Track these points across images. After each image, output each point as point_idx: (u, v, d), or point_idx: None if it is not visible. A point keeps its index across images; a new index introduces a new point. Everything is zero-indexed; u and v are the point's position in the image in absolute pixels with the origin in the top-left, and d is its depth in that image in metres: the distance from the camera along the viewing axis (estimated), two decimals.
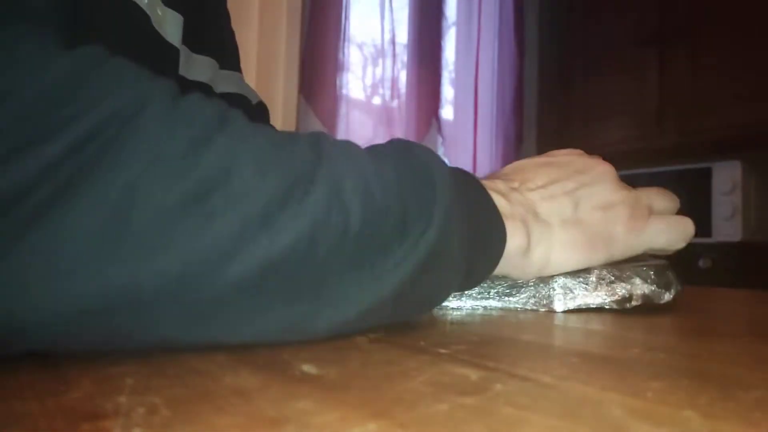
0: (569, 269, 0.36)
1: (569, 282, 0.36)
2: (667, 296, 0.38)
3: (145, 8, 0.40)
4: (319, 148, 0.25)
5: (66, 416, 0.15)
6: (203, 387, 0.17)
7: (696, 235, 0.41)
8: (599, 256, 0.37)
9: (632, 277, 0.37)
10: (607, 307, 0.37)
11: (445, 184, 0.28)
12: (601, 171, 0.39)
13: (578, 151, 0.41)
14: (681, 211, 0.42)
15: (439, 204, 0.27)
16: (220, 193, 0.20)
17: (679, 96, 1.92)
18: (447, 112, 2.06)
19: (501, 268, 0.34)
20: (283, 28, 1.60)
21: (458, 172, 0.32)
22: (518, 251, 0.34)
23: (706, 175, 1.90)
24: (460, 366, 0.21)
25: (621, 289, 0.37)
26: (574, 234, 0.36)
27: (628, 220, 0.37)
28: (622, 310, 0.37)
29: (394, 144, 0.30)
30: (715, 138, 1.88)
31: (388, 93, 1.85)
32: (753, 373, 0.21)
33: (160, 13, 0.42)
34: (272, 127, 0.30)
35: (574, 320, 0.34)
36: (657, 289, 0.38)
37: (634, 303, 0.37)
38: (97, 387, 0.17)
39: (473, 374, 0.20)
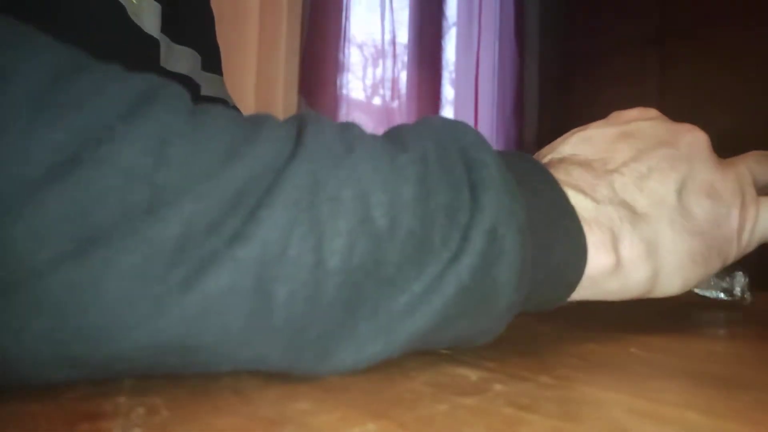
0: (679, 292, 0.27)
1: None
2: (748, 295, 0.39)
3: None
4: (296, 138, 0.18)
5: (65, 417, 0.15)
6: (202, 387, 0.17)
7: None
8: (715, 267, 0.28)
9: (737, 269, 0.37)
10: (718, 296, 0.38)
11: (494, 182, 0.20)
12: (693, 140, 0.29)
13: (653, 111, 0.31)
14: None
15: (482, 218, 0.19)
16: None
17: (680, 97, 1.92)
18: (447, 113, 2.06)
19: (579, 295, 0.25)
20: (283, 28, 1.60)
21: (514, 158, 0.24)
22: (604, 271, 0.24)
23: None
24: (459, 366, 0.21)
25: (727, 282, 0.38)
26: (689, 241, 0.26)
27: (742, 211, 0.28)
28: (731, 302, 0.38)
29: (425, 125, 0.22)
30: (717, 139, 1.88)
31: (388, 93, 1.85)
32: (753, 373, 0.21)
33: (135, 2, 0.41)
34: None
35: (573, 320, 0.34)
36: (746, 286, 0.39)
37: (741, 296, 0.38)
38: (96, 387, 0.17)
39: (473, 374, 0.20)
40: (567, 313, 0.36)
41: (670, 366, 0.22)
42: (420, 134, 0.21)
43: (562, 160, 0.27)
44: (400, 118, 1.83)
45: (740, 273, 0.38)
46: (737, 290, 0.38)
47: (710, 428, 0.15)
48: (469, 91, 2.08)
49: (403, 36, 1.91)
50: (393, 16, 1.84)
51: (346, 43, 1.73)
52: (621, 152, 0.27)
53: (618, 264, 0.24)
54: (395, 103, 1.85)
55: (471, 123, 1.93)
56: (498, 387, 0.18)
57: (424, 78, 1.91)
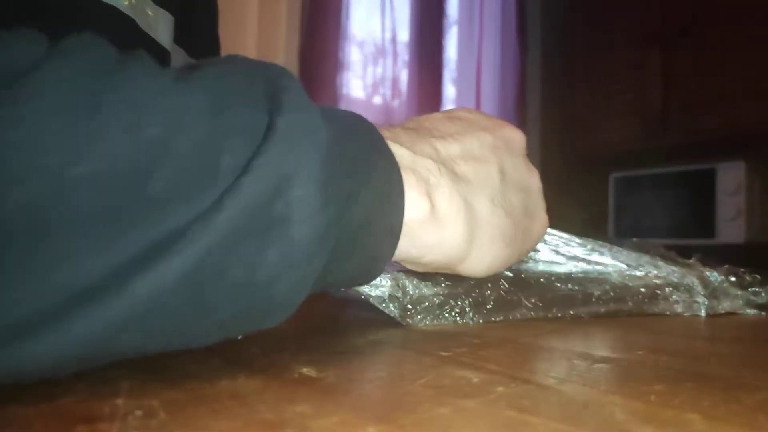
0: (485, 271, 0.28)
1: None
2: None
3: (127, 12, 0.38)
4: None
5: (62, 419, 0.15)
6: (200, 390, 0.17)
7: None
8: (516, 256, 0.29)
9: None
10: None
11: (294, 105, 0.18)
12: (512, 135, 0.31)
13: (477, 110, 0.33)
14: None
15: (276, 140, 0.17)
16: None
17: (683, 96, 1.92)
18: None
19: (401, 250, 0.24)
20: (283, 26, 1.60)
21: (339, 110, 0.23)
22: (421, 217, 0.24)
23: (710, 175, 1.90)
24: (461, 369, 0.21)
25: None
26: (504, 219, 0.27)
27: (543, 212, 0.31)
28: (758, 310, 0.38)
29: (229, 59, 0.21)
30: (719, 138, 1.87)
31: (388, 92, 1.85)
32: (756, 376, 0.21)
33: (150, 13, 0.41)
34: None
35: (575, 323, 0.33)
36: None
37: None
38: (93, 390, 0.17)
39: (474, 377, 0.19)
40: (567, 315, 0.36)
41: (673, 368, 0.22)
42: (221, 61, 0.20)
43: (392, 126, 0.28)
44: (401, 117, 1.82)
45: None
46: None
47: (712, 431, 0.15)
48: (470, 90, 2.07)
49: (404, 34, 1.91)
50: (393, 14, 1.83)
51: (346, 42, 1.73)
52: (446, 127, 0.28)
53: (433, 211, 0.24)
54: (396, 102, 1.85)
55: None
56: (500, 389, 0.18)
57: (425, 76, 1.91)
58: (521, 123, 2.17)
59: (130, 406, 0.16)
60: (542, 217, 0.31)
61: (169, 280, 0.15)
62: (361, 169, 0.21)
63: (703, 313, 0.36)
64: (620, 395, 0.18)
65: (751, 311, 0.38)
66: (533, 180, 0.30)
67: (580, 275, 0.35)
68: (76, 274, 0.15)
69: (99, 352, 0.16)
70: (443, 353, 0.23)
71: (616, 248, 0.39)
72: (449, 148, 0.27)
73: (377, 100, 1.86)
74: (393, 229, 0.23)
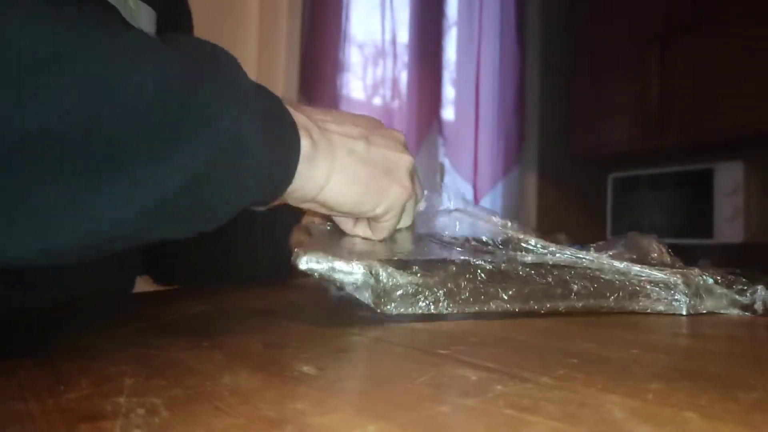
0: (346, 204, 0.35)
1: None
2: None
3: (112, 2, 0.39)
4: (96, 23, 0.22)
5: (65, 417, 0.15)
6: (201, 388, 0.17)
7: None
8: (370, 201, 0.36)
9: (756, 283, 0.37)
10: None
11: (240, 77, 0.27)
12: (395, 135, 0.39)
13: (377, 120, 0.41)
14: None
15: (236, 91, 0.26)
16: None
17: (681, 96, 1.92)
18: (448, 113, 2.06)
19: (296, 183, 0.32)
20: (283, 28, 1.60)
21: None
22: (307, 152, 0.32)
23: (708, 176, 1.90)
24: (460, 367, 0.21)
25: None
26: (358, 167, 0.35)
27: (407, 185, 0.38)
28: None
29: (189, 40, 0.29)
30: (717, 139, 1.88)
31: (388, 93, 1.85)
32: (753, 375, 0.21)
33: (133, 6, 0.42)
34: None
35: (573, 321, 0.34)
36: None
37: (762, 310, 0.37)
38: (96, 387, 0.17)
39: (473, 375, 0.20)
40: (566, 314, 0.36)
41: (670, 367, 0.22)
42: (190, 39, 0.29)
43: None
44: (401, 118, 1.83)
45: (761, 287, 0.37)
46: (758, 305, 0.37)
47: (709, 430, 0.15)
48: (469, 91, 2.08)
49: (404, 35, 1.91)
50: (393, 16, 1.84)
51: (346, 43, 1.73)
52: (327, 115, 0.36)
53: (314, 147, 0.32)
54: (395, 103, 1.85)
55: (472, 123, 1.91)
56: (499, 388, 0.18)
57: (425, 78, 1.91)
58: (520, 123, 2.17)
59: (132, 403, 0.16)
60: (405, 185, 0.37)
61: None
62: (277, 119, 0.31)
63: (684, 311, 0.36)
64: (618, 394, 0.18)
65: (734, 311, 0.37)
66: (404, 158, 0.38)
67: (561, 267, 0.35)
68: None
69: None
70: (442, 351, 0.23)
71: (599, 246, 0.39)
72: (327, 123, 0.35)
73: (377, 101, 1.86)
74: (292, 159, 0.31)
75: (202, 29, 0.55)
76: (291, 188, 0.32)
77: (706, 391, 0.18)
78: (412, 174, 0.39)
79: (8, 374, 0.19)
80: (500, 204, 2.07)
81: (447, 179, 1.92)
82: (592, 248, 0.40)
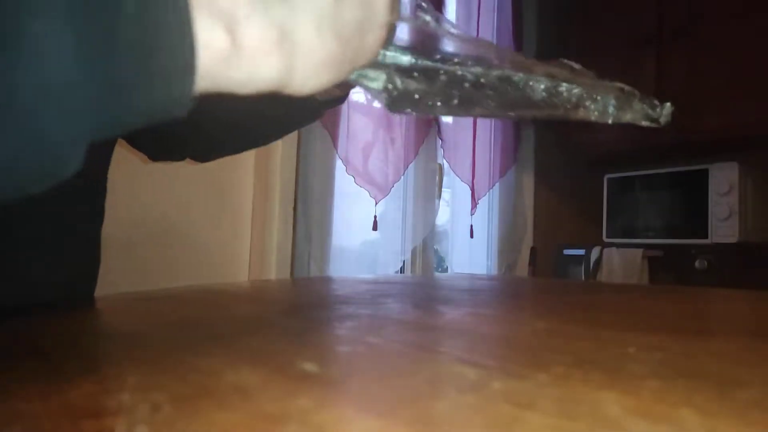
0: (312, 92, 0.27)
1: None
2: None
3: None
4: None
5: (69, 414, 0.15)
6: (204, 384, 0.18)
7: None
8: (341, 76, 0.28)
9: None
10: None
11: None
12: None
13: None
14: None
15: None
16: None
17: (676, 97, 1.92)
18: None
19: (203, 86, 0.22)
20: None
21: None
22: (218, 56, 0.22)
23: (703, 176, 1.91)
24: (458, 364, 0.21)
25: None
26: (330, 45, 0.25)
27: (382, 26, 0.29)
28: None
29: None
30: (712, 139, 1.88)
31: None
32: (749, 372, 0.22)
33: None
34: None
35: (570, 320, 0.34)
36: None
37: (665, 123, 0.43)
38: (100, 385, 0.17)
39: (471, 372, 0.20)
40: (564, 310, 0.37)
41: (666, 364, 0.23)
42: None
43: None
44: (400, 121, 1.83)
45: (668, 104, 0.43)
46: (663, 119, 0.44)
47: (705, 427, 0.15)
48: None
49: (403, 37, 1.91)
50: None
51: None
52: None
53: (235, 47, 0.22)
54: None
55: (470, 125, 1.90)
56: (496, 385, 0.18)
57: None
58: (517, 125, 2.17)
59: (136, 400, 0.16)
60: (378, 31, 0.28)
61: None
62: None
63: (611, 120, 0.42)
64: (614, 391, 0.18)
65: (645, 123, 0.44)
66: None
67: (526, 83, 0.41)
68: None
69: None
70: (441, 349, 0.23)
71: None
72: None
73: (377, 102, 1.86)
74: (180, 69, 0.21)
75: None
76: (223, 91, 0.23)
77: (702, 389, 0.18)
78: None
79: (11, 373, 0.19)
80: (498, 204, 2.08)
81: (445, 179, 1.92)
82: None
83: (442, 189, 1.89)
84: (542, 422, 0.15)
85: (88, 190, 0.55)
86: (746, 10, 1.77)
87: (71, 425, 0.14)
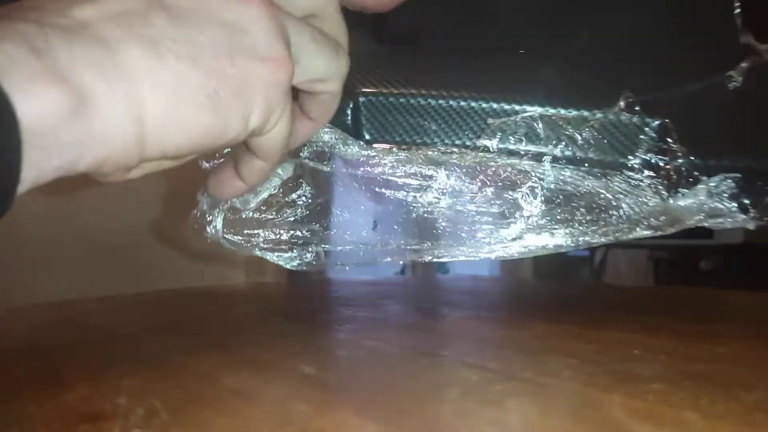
0: (189, 138, 0.19)
1: None
2: None
3: None
4: None
5: (64, 418, 0.15)
6: (202, 388, 0.17)
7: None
8: (228, 114, 0.19)
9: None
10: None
11: None
12: None
13: None
14: None
15: None
16: None
17: None
18: None
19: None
20: None
21: None
22: (60, 116, 0.15)
23: None
24: (461, 368, 0.21)
25: None
26: (185, 71, 0.18)
27: (270, 53, 0.20)
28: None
29: None
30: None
31: None
32: (754, 375, 0.21)
33: None
34: None
35: (573, 323, 0.34)
36: None
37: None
38: (95, 388, 0.17)
39: (474, 376, 0.20)
40: (566, 312, 0.36)
41: (671, 367, 0.22)
42: None
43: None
44: None
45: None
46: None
47: (710, 429, 0.15)
48: None
49: None
50: None
51: None
52: None
53: (82, 99, 0.16)
54: None
55: None
56: (499, 388, 0.18)
57: None
58: None
59: (131, 404, 0.16)
60: (272, 54, 0.20)
61: None
62: None
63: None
64: (619, 394, 0.18)
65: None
66: (247, 11, 0.20)
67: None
68: None
69: None
70: (443, 353, 0.23)
71: None
72: (91, 16, 0.17)
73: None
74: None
75: None
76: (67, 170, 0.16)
77: (707, 392, 0.18)
78: (280, 23, 0.21)
79: (6, 376, 0.19)
80: None
81: None
82: None
83: None
84: (546, 425, 0.15)
85: None
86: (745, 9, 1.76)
87: (66, 428, 0.14)
